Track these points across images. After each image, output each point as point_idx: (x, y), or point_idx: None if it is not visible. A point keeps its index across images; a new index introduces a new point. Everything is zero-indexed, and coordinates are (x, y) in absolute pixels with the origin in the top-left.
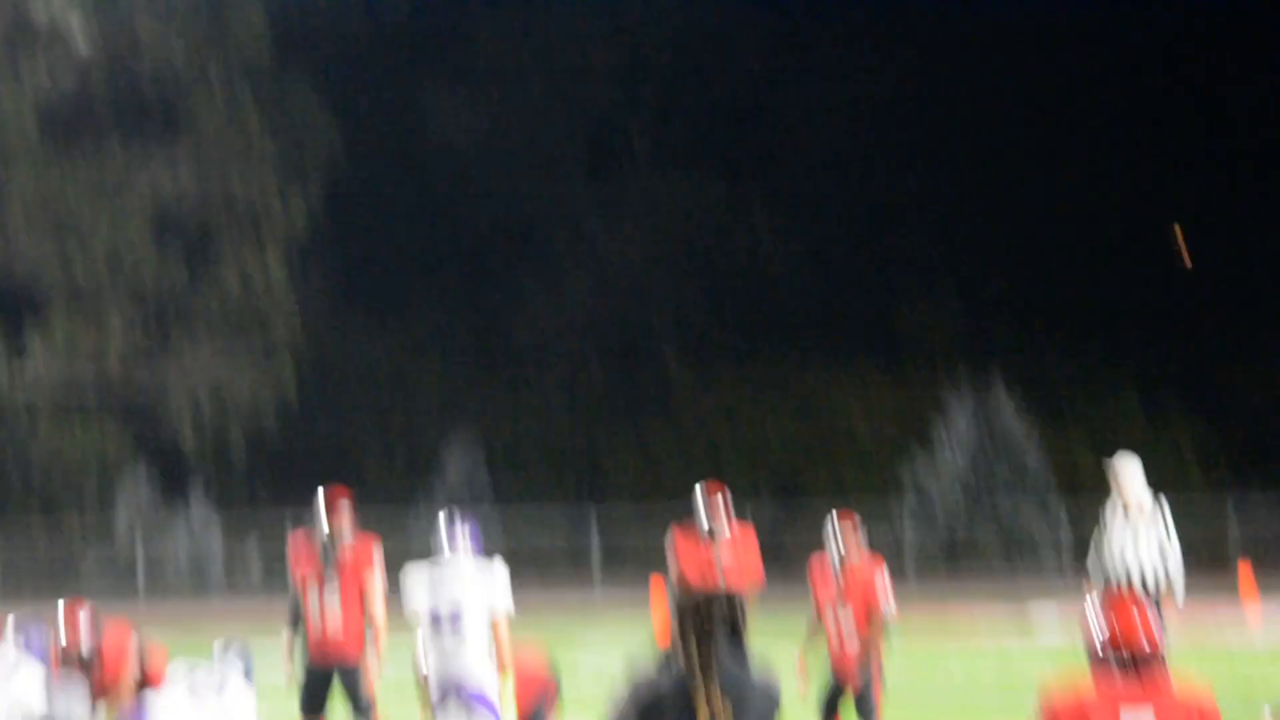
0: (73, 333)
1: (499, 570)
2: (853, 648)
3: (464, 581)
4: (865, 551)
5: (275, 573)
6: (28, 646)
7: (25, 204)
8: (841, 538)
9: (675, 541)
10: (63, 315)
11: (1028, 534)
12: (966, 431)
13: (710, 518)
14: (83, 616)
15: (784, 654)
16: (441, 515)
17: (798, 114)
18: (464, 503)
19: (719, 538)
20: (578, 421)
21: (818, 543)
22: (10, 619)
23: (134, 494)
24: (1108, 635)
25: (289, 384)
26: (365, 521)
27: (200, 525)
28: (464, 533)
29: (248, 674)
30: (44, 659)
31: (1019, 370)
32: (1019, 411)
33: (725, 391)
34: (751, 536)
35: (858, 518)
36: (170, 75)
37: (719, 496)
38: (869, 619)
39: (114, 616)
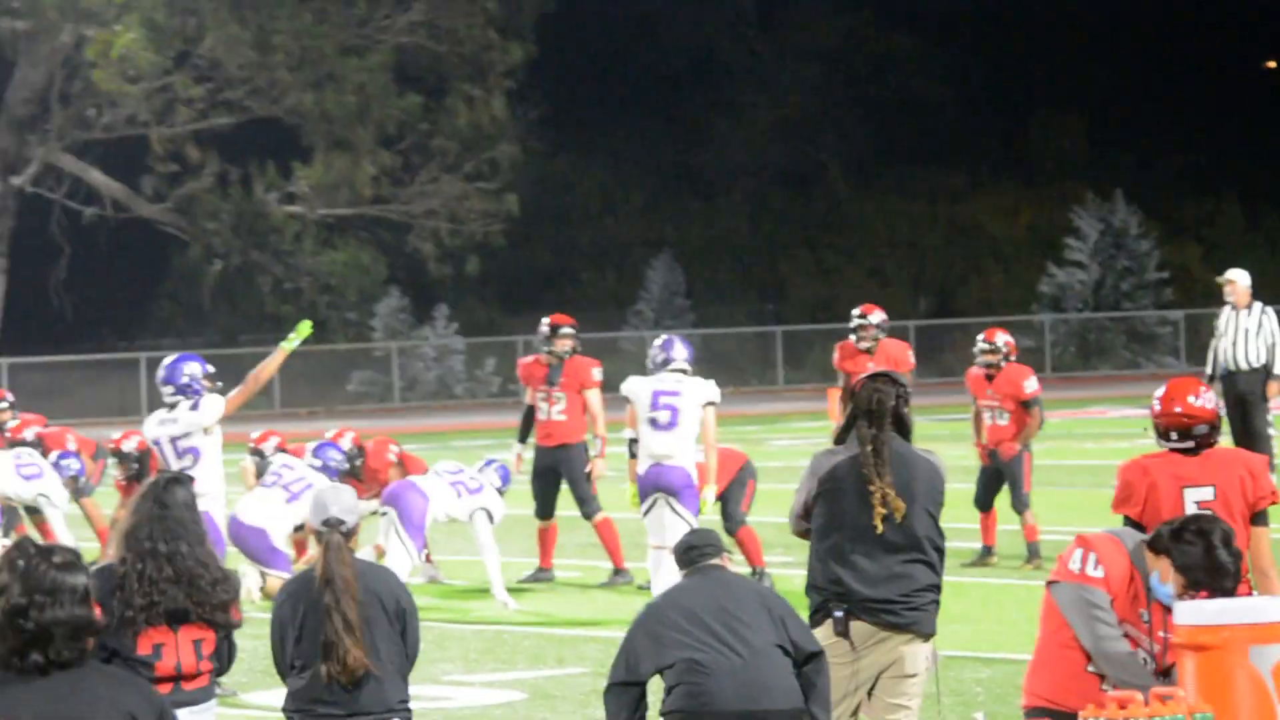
0: (330, 167)
1: (707, 381)
2: (1007, 443)
3: (678, 386)
4: (1014, 361)
5: (508, 392)
6: (322, 468)
7: (289, 55)
8: (991, 352)
9: (840, 354)
10: (322, 152)
11: (1150, 339)
12: (1094, 246)
13: (862, 336)
14: (348, 437)
15: (943, 450)
16: (659, 338)
17: None
18: (666, 325)
19: (874, 351)
20: (761, 242)
21: (971, 355)
22: (309, 446)
23: (389, 318)
24: (1170, 414)
25: (514, 210)
26: (584, 343)
27: (444, 347)
28: (678, 349)
29: (501, 490)
30: (332, 474)
31: (1139, 189)
32: (1140, 226)
33: (886, 211)
34: (905, 349)
35: (1007, 333)
36: None
37: (872, 315)
38: (1020, 419)
39: (376, 431)
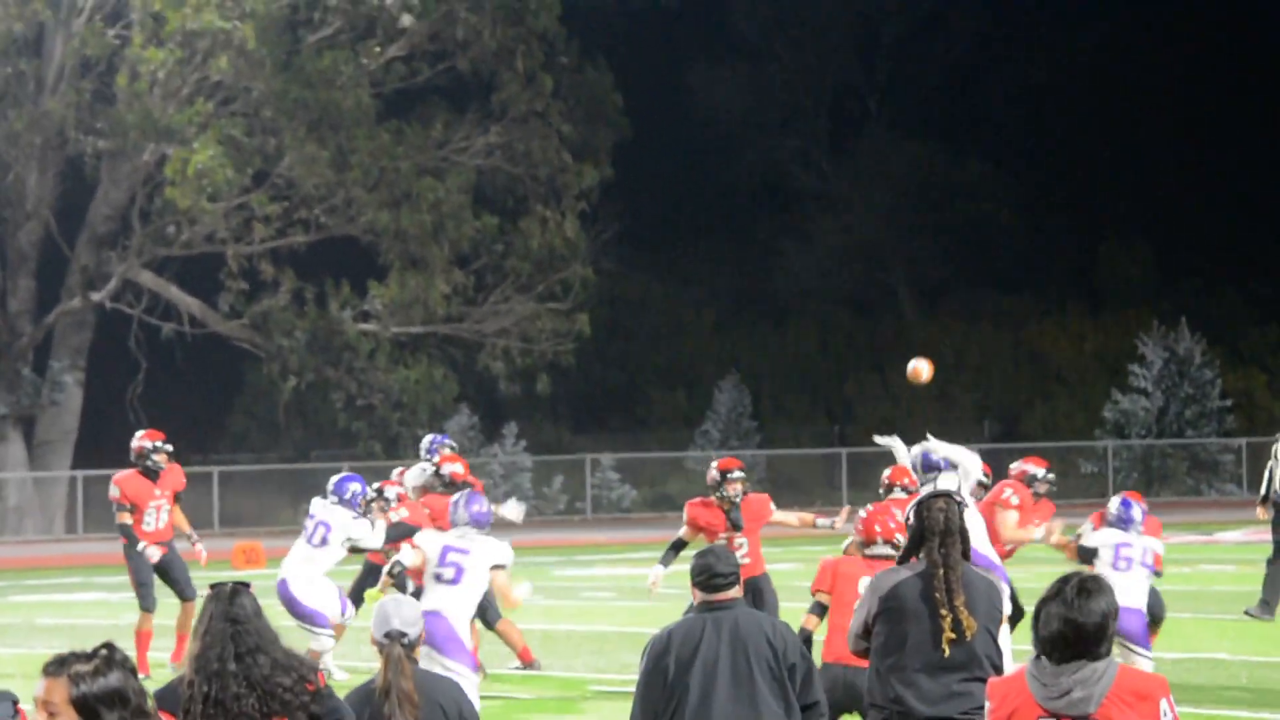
0: (404, 286)
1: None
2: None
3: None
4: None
5: (574, 510)
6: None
7: (366, 175)
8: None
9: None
10: (396, 271)
11: (1212, 466)
12: (1159, 373)
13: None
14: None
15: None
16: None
17: (1009, 85)
18: (732, 446)
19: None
20: (829, 364)
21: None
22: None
23: (459, 435)
24: None
25: (585, 330)
26: (650, 462)
27: (513, 465)
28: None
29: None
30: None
31: (1203, 317)
32: (1204, 354)
33: (954, 335)
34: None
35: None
36: (485, 65)
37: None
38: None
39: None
